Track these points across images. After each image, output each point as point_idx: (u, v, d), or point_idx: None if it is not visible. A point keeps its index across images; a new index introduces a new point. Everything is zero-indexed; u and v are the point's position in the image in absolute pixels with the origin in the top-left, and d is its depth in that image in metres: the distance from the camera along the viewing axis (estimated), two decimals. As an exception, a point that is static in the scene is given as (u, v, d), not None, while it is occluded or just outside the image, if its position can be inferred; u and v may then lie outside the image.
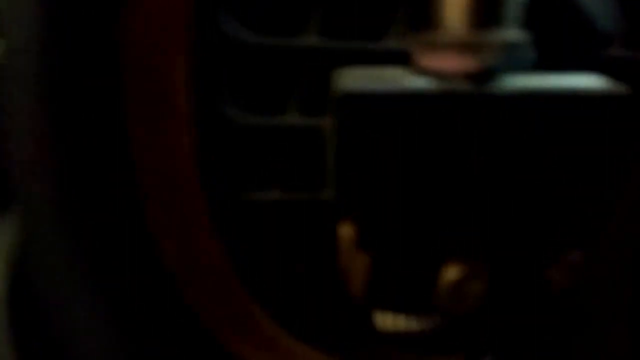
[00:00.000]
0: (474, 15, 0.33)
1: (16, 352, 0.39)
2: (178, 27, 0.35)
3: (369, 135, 0.33)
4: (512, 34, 0.34)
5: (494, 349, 0.37)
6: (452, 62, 0.33)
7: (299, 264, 0.38)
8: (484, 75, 0.33)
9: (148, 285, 0.36)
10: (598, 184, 0.34)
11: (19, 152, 0.34)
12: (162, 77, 0.35)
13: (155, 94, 0.35)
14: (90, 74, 0.34)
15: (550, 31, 0.38)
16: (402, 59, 0.36)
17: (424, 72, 0.34)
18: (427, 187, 0.34)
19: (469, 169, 0.34)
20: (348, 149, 0.34)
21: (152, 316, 0.36)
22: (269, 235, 0.38)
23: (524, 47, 0.34)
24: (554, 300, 0.36)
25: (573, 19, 0.38)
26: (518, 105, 0.33)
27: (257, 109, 0.37)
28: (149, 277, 0.35)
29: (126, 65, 0.34)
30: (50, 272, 0.35)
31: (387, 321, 0.37)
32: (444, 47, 0.34)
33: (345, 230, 0.35)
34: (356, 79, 0.34)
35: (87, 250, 0.34)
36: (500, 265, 0.35)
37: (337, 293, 0.37)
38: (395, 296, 0.36)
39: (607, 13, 0.38)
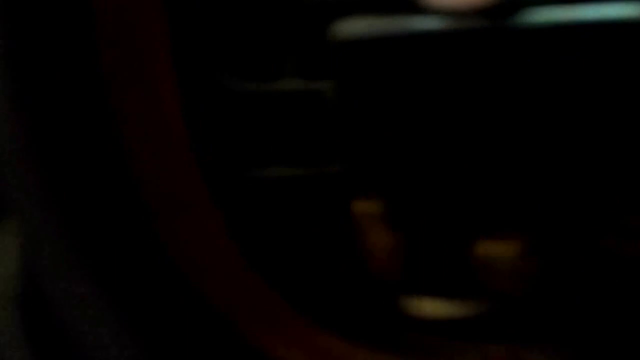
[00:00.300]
0: None
1: (29, 351, 0.38)
2: None
3: (375, 88, 0.31)
4: None
5: (548, 335, 0.34)
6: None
7: (313, 247, 0.36)
8: (502, 9, 0.31)
9: (153, 276, 0.34)
10: None
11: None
12: (140, 38, 0.33)
13: (133, 57, 0.33)
14: (62, 35, 0.32)
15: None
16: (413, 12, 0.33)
17: (432, 11, 0.32)
18: (452, 146, 0.32)
19: (497, 121, 0.31)
20: (353, 106, 0.32)
21: (161, 309, 0.34)
22: (276, 215, 0.36)
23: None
24: (613, 275, 0.33)
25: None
26: (545, 41, 0.30)
27: (250, 73, 0.36)
28: (153, 268, 0.34)
29: (100, 24, 0.33)
30: (48, 263, 0.34)
31: (426, 307, 0.35)
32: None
33: (366, 206, 0.33)
34: (356, 26, 0.32)
35: (85, 245, 0.33)
36: (549, 236, 0.32)
37: (361, 277, 0.35)
38: (434, 278, 0.34)
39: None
